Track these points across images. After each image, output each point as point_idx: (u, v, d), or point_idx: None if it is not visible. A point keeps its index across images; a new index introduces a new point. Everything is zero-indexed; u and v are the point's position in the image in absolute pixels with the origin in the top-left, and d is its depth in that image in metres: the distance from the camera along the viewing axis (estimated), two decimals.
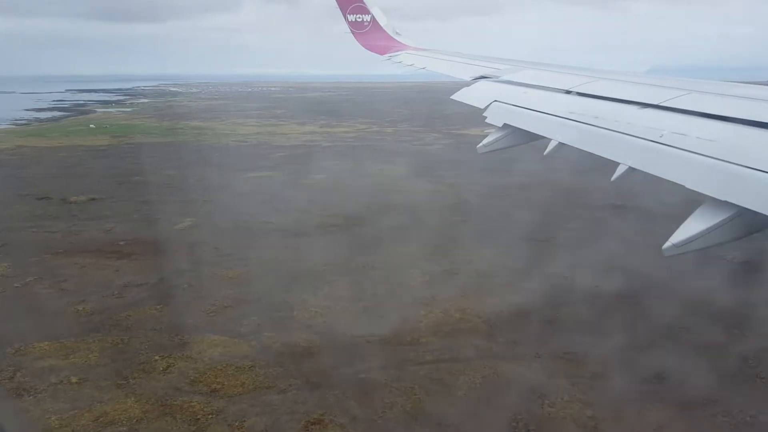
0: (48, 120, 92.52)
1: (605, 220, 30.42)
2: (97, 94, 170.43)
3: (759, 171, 4.99)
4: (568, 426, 13.85)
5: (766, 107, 6.33)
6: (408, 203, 34.49)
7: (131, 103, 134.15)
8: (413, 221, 30.90)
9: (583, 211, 32.06)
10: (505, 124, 9.26)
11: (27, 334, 17.98)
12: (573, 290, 21.29)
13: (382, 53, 19.49)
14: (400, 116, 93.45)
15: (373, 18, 19.99)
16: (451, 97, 11.84)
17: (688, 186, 5.45)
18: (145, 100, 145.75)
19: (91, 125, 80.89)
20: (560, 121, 8.18)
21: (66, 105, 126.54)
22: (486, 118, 9.81)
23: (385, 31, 19.92)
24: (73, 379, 15.52)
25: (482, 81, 11.91)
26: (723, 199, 5.03)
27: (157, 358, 16.69)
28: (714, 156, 5.53)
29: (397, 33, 20.23)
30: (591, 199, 34.44)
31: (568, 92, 9.08)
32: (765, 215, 4.60)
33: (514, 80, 11.12)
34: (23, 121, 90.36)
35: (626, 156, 6.52)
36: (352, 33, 20.09)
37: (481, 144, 9.46)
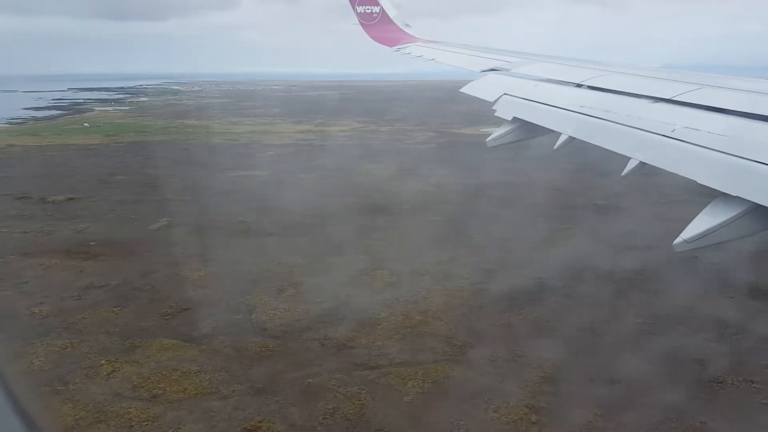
0: (44, 119, 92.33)
1: (586, 220, 29.97)
2: (98, 93, 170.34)
3: None
4: None
5: None
6: (388, 203, 34.15)
7: (130, 102, 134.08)
8: (390, 221, 30.60)
9: (564, 212, 31.54)
10: (514, 117, 9.14)
11: None
12: (540, 292, 20.88)
13: (391, 45, 19.14)
14: (398, 115, 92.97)
15: (382, 9, 19.65)
16: (461, 90, 11.64)
17: (700, 181, 5.36)
18: (145, 99, 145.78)
19: (85, 124, 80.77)
20: (571, 115, 8.11)
21: (65, 104, 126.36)
22: (495, 111, 9.71)
23: (394, 23, 19.60)
24: None
25: (492, 73, 11.75)
26: (735, 194, 4.95)
27: (103, 362, 16.33)
28: (726, 151, 5.47)
29: (406, 25, 19.88)
30: (578, 199, 34.05)
31: (578, 86, 9.00)
32: None
33: (525, 73, 11.04)
34: (19, 120, 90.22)
35: (637, 150, 6.48)
36: (361, 25, 19.76)
37: (490, 138, 9.33)
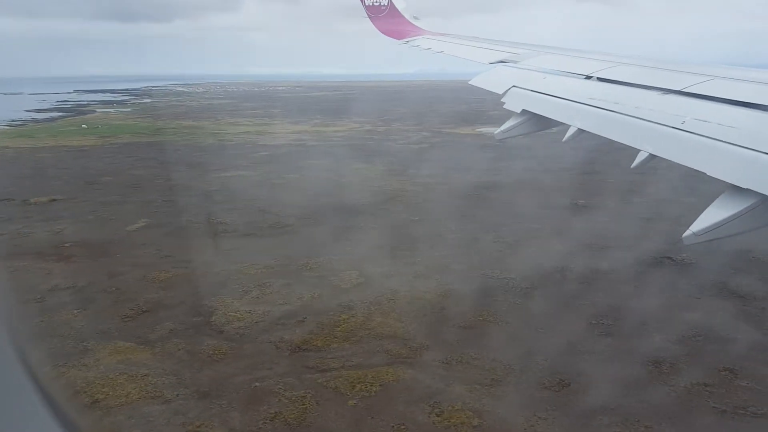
0: (44, 120, 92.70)
1: (565, 220, 29.64)
2: (103, 95, 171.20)
3: None
4: None
5: None
6: (371, 203, 33.95)
7: (132, 104, 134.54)
8: (370, 221, 30.31)
9: (545, 212, 31.19)
10: (523, 110, 9.03)
11: None
12: (506, 293, 20.60)
13: (399, 38, 18.89)
14: (397, 115, 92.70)
15: (390, 2, 19.43)
16: (469, 82, 11.38)
17: (710, 173, 5.22)
18: (149, 100, 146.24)
19: (82, 126, 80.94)
20: (580, 107, 8.02)
21: (68, 106, 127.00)
22: (504, 104, 9.57)
23: (402, 16, 19.35)
24: None
25: (500, 66, 11.58)
26: (746, 186, 4.83)
27: (47, 368, 16.11)
28: (737, 143, 5.36)
29: (415, 17, 19.64)
30: (557, 198, 33.73)
31: (588, 77, 8.89)
32: None
33: (533, 65, 10.90)
34: (19, 122, 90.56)
35: (647, 142, 6.39)
36: (369, 17, 19.54)
37: (498, 130, 9.20)
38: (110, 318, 19.43)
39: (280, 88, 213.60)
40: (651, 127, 6.54)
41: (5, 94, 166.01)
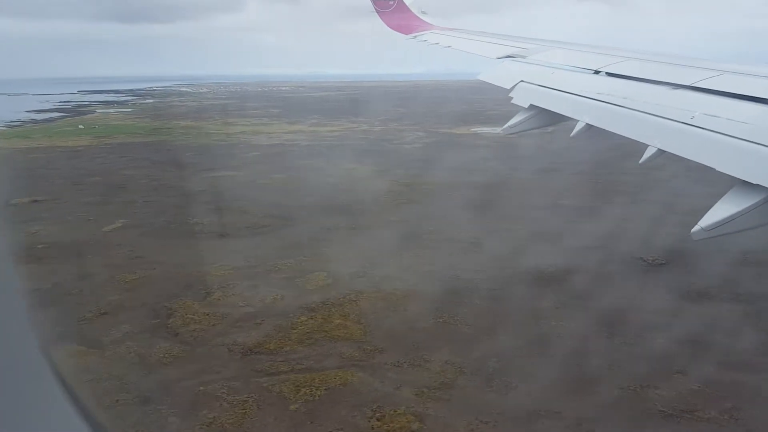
0: (43, 121, 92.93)
1: (544, 219, 29.26)
2: (106, 95, 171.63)
3: None
4: None
5: None
6: (354, 203, 33.58)
7: (134, 104, 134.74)
8: (349, 222, 29.99)
9: (525, 212, 30.83)
10: (531, 104, 9.02)
11: None
12: (472, 294, 20.28)
13: (406, 33, 18.73)
14: (395, 115, 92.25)
15: None
16: (477, 77, 11.42)
17: (719, 169, 5.27)
18: (150, 101, 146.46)
19: (79, 126, 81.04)
20: (588, 102, 8.01)
21: (69, 106, 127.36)
22: (512, 99, 9.57)
23: (410, 10, 19.22)
24: None
25: (509, 60, 11.57)
26: (755, 182, 4.82)
27: None
28: (747, 138, 5.34)
29: (423, 12, 19.44)
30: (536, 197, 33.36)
31: (596, 72, 8.85)
32: None
33: (541, 60, 10.90)
34: (18, 123, 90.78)
35: (656, 138, 6.38)
36: (377, 12, 19.34)
37: (506, 125, 9.25)
38: (68, 321, 19.22)
39: (284, 88, 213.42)
40: (660, 123, 6.51)
41: (9, 95, 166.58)
